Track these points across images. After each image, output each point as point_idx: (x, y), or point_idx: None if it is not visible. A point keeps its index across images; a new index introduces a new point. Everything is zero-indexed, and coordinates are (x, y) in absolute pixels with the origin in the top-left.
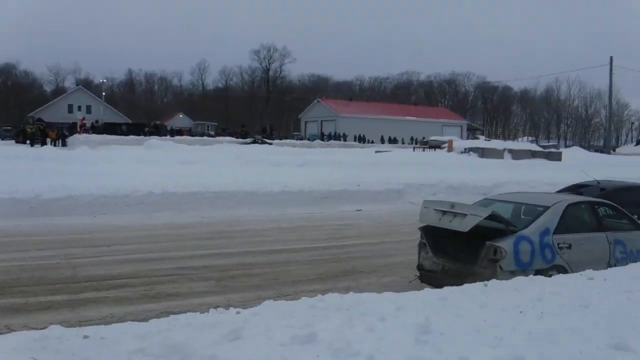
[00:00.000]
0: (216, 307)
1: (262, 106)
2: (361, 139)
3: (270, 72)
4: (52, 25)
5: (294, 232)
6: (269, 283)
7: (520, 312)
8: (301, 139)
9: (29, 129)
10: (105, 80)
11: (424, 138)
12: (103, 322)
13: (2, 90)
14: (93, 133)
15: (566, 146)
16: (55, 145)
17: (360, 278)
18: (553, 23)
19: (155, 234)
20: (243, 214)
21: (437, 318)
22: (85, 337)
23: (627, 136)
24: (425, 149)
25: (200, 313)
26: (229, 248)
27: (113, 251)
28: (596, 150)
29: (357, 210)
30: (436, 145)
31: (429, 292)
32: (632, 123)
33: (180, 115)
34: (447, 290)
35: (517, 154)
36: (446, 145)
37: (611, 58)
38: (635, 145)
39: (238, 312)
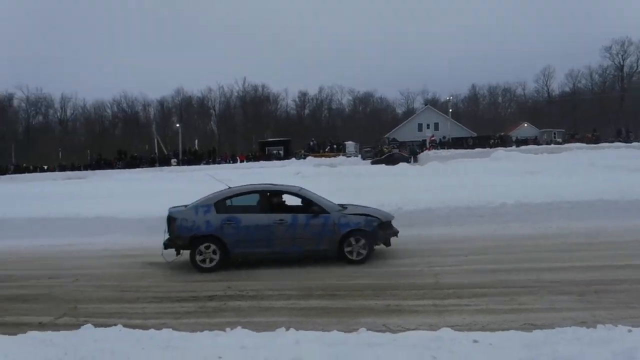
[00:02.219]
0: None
1: (616, 107)
2: None
3: (625, 69)
4: (401, 52)
5: None
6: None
7: None
8: None
9: (385, 149)
10: (450, 98)
11: None
12: (467, 328)
13: (362, 116)
14: (441, 148)
15: None
16: (408, 162)
17: None
18: None
19: (511, 244)
20: (603, 225)
21: None
22: (475, 341)
23: None
24: None
25: (587, 328)
26: (588, 261)
27: (470, 261)
28: None
29: None
30: None
31: None
32: None
33: (525, 125)
34: None
35: None
36: None
37: None
38: None
39: (630, 331)
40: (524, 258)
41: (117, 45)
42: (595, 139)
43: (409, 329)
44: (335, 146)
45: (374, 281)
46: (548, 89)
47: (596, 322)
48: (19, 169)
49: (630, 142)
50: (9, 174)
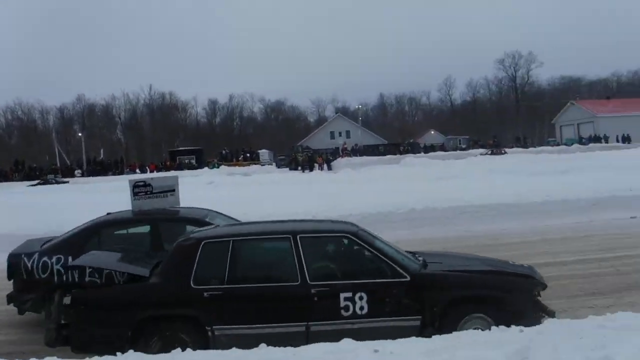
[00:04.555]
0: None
1: (512, 115)
2: (625, 139)
3: (517, 80)
4: (311, 62)
5: (562, 243)
6: (544, 298)
7: None
8: (557, 144)
9: (299, 157)
10: (360, 106)
11: None
12: None
13: (274, 124)
14: (354, 156)
15: None
16: (321, 170)
17: None
18: None
19: (420, 249)
20: (505, 226)
21: None
22: (376, 351)
23: None
24: None
25: (482, 330)
26: None
27: None
28: None
29: (631, 218)
30: None
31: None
32: None
33: (432, 132)
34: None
35: None
36: None
37: None
38: None
39: (521, 331)
40: None
41: (8, 49)
42: (496, 146)
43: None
44: (249, 155)
45: None
46: (450, 98)
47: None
48: None
49: (527, 148)
50: None
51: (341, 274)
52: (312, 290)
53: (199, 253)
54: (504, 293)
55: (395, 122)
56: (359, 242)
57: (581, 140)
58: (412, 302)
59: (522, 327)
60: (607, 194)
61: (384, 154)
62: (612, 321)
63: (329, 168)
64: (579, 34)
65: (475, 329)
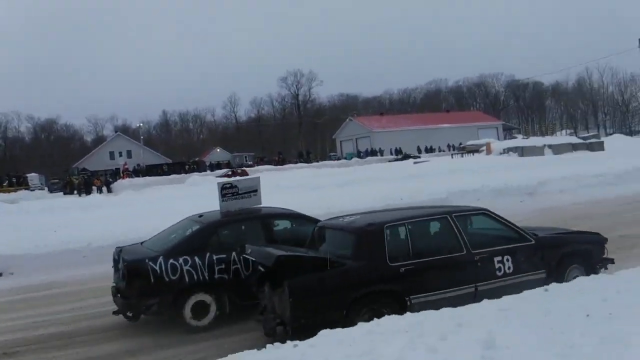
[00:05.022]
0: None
1: (295, 131)
2: (398, 152)
3: (300, 97)
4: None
5: None
6: None
7: (587, 315)
8: (338, 159)
9: (74, 180)
10: (141, 124)
11: (460, 144)
12: None
13: (45, 145)
14: (136, 177)
15: (607, 135)
16: (100, 193)
17: None
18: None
19: None
20: None
21: (501, 331)
22: None
23: None
24: (464, 155)
25: (258, 350)
26: None
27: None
28: None
29: None
30: (474, 150)
31: (488, 304)
32: None
33: (218, 150)
34: (507, 299)
35: (557, 149)
36: (484, 148)
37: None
38: None
39: (295, 345)
40: None
41: None
42: (281, 161)
43: None
44: (15, 179)
45: None
46: (235, 116)
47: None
48: None
49: (311, 162)
50: None
51: (488, 242)
52: (475, 257)
53: (385, 236)
54: (592, 246)
55: (179, 140)
56: (493, 216)
57: (359, 154)
58: (538, 260)
59: (296, 342)
60: (383, 203)
61: (168, 174)
62: (379, 326)
63: (109, 190)
64: (355, 55)
65: (574, 277)
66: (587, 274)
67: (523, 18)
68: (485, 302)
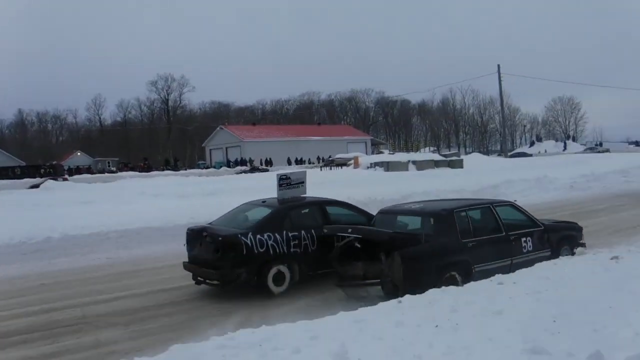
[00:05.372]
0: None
1: (164, 137)
2: (267, 163)
3: (170, 102)
4: None
5: None
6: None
7: (436, 326)
8: (207, 167)
9: None
10: None
11: (329, 157)
12: None
13: None
14: None
15: (466, 153)
16: None
17: None
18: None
19: (57, 282)
20: (150, 251)
21: (354, 343)
22: None
23: (521, 139)
24: (332, 167)
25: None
26: (134, 289)
27: (10, 305)
28: (499, 155)
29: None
30: (342, 163)
31: (344, 316)
32: (524, 126)
33: (78, 153)
34: (362, 311)
35: (421, 165)
36: (352, 162)
37: (499, 66)
38: (530, 147)
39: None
40: (69, 294)
41: None
42: (147, 168)
43: None
44: None
45: None
46: (100, 118)
47: (141, 351)
48: None
49: (178, 170)
50: None
51: (516, 226)
52: (511, 237)
53: (455, 218)
54: (577, 232)
55: (36, 141)
56: (517, 207)
57: (229, 164)
58: (545, 241)
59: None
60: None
61: (21, 177)
62: (231, 340)
63: None
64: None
65: (565, 255)
66: (572, 253)
67: (396, 35)
68: (341, 314)
